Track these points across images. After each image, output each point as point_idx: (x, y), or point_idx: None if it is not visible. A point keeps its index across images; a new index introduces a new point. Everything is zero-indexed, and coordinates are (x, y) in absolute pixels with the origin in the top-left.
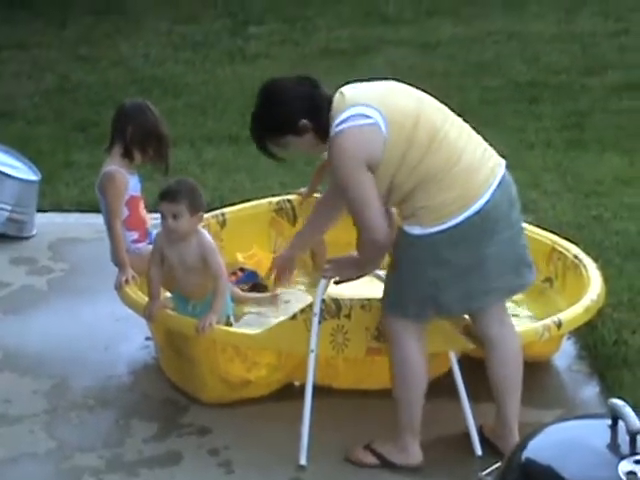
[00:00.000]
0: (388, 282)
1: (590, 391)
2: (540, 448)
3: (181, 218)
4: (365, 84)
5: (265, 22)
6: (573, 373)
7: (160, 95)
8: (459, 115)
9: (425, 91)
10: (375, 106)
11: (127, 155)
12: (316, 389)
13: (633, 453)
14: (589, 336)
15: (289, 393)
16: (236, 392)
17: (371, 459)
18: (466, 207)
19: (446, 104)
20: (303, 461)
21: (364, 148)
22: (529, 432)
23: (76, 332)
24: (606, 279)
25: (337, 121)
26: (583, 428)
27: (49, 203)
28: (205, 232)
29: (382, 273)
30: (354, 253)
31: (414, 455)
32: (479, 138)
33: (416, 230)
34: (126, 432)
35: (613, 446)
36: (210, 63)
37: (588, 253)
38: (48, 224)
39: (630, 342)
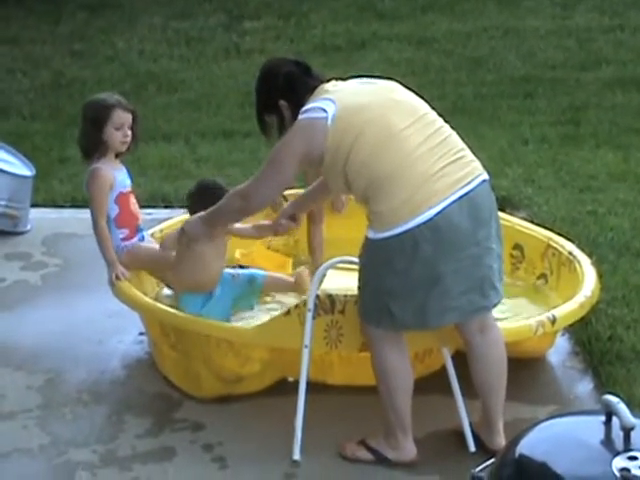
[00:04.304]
0: (358, 289)
1: (584, 387)
2: (534, 444)
3: None
4: (353, 81)
5: (260, 17)
6: (567, 369)
7: (155, 91)
8: (458, 113)
9: (422, 86)
10: (336, 101)
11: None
12: (310, 385)
13: (627, 449)
14: (583, 332)
15: (283, 389)
16: (230, 387)
17: (365, 454)
18: (415, 214)
19: (441, 99)
20: (297, 456)
21: (304, 140)
22: (523, 428)
23: (70, 327)
24: (600, 275)
25: (302, 110)
26: (577, 424)
27: (43, 198)
28: None
29: None
30: None
31: (407, 451)
32: (456, 146)
33: (371, 234)
34: (119, 427)
35: (607, 442)
36: (205, 59)
37: (582, 249)
38: (42, 219)
39: (624, 338)
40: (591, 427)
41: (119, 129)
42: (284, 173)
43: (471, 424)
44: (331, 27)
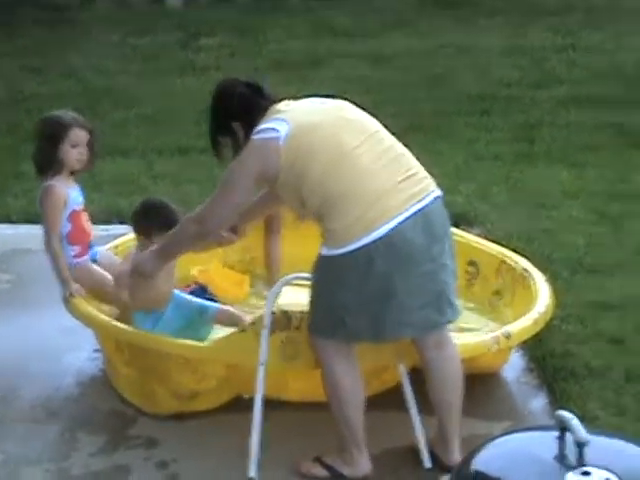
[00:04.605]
0: (309, 304)
1: (538, 403)
2: (489, 460)
3: None
4: (305, 100)
5: (216, 34)
6: (522, 385)
7: (111, 106)
8: (413, 129)
9: (378, 104)
10: (289, 121)
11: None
12: (265, 401)
13: (580, 464)
14: (537, 348)
15: (238, 406)
16: (185, 404)
17: (320, 471)
18: (370, 230)
19: (398, 116)
20: (253, 473)
21: (258, 160)
22: (478, 444)
23: (23, 344)
24: (555, 292)
25: (255, 131)
26: (531, 440)
27: None
28: None
29: None
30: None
31: (362, 466)
32: (408, 163)
33: (324, 251)
34: (73, 445)
35: (561, 457)
36: (161, 75)
37: (537, 266)
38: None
39: (578, 354)
40: (545, 443)
41: (75, 147)
42: (239, 194)
43: (427, 440)
44: (287, 44)
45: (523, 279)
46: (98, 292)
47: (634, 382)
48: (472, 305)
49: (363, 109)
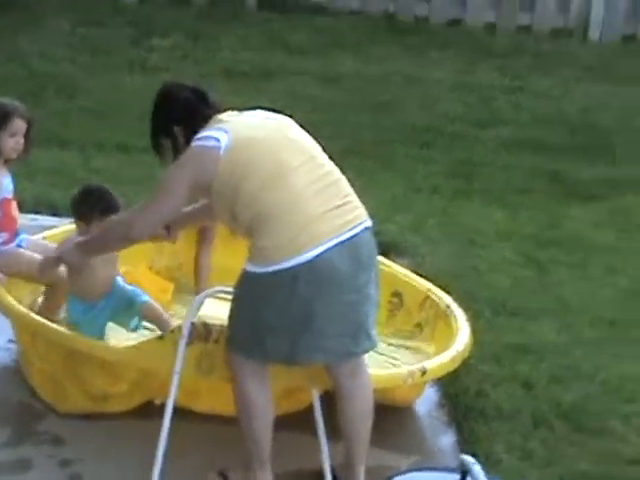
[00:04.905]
0: (229, 319)
1: (447, 440)
2: None
3: None
4: (249, 114)
5: (169, 35)
6: (433, 420)
7: (54, 94)
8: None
9: (323, 124)
10: (230, 132)
11: None
12: (176, 410)
13: None
14: (452, 385)
15: (149, 411)
16: (96, 405)
17: None
18: (298, 253)
19: (340, 138)
20: None
21: (194, 166)
22: (383, 476)
23: None
24: (475, 331)
25: (195, 137)
26: None
27: None
28: None
29: None
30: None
31: None
32: (343, 191)
33: (250, 267)
34: None
35: None
36: (109, 69)
37: (461, 303)
38: None
39: (491, 395)
40: None
41: (13, 136)
42: (173, 200)
43: (333, 466)
44: (240, 53)
45: (445, 316)
46: (27, 276)
47: (541, 427)
48: (392, 336)
49: (307, 128)
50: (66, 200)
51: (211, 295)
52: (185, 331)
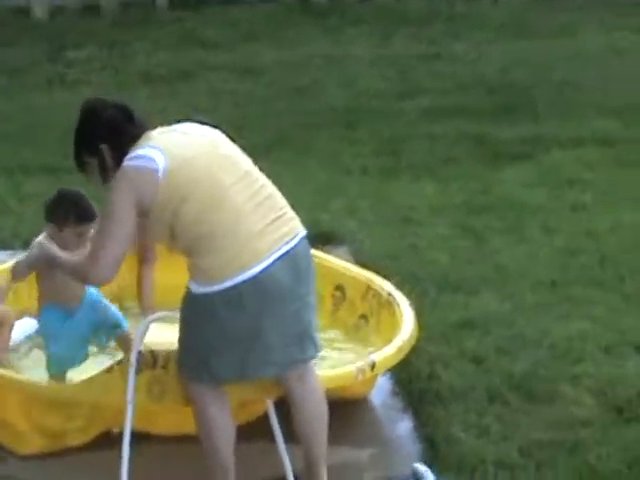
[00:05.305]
0: (178, 343)
1: (404, 427)
2: None
3: None
4: (180, 131)
5: (83, 47)
6: (388, 409)
7: None
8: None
9: (245, 118)
10: (165, 152)
11: None
12: (135, 436)
13: None
14: (403, 371)
15: (108, 441)
16: (54, 442)
17: None
18: (241, 271)
19: (264, 131)
20: None
21: (135, 188)
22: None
23: None
24: (421, 311)
25: (127, 157)
26: None
27: None
28: None
29: None
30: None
31: None
32: (278, 203)
33: (194, 287)
34: None
35: None
36: (27, 90)
37: (404, 284)
38: None
39: (443, 377)
40: None
41: None
42: (123, 225)
43: (294, 471)
44: (155, 56)
45: (388, 304)
46: None
47: (496, 402)
48: (337, 330)
49: (230, 124)
50: (0, 233)
51: (154, 321)
52: (133, 360)
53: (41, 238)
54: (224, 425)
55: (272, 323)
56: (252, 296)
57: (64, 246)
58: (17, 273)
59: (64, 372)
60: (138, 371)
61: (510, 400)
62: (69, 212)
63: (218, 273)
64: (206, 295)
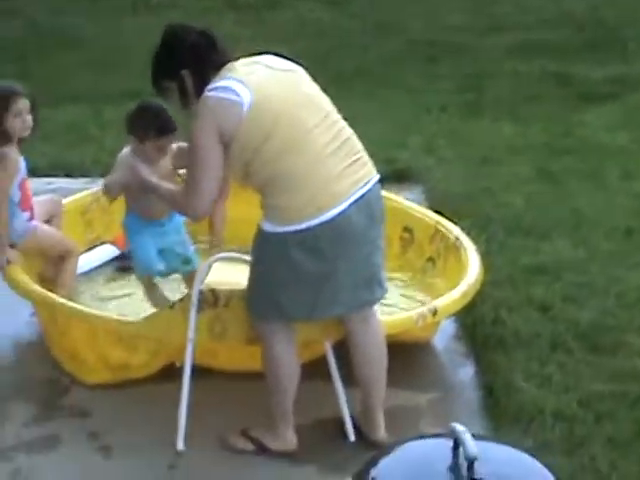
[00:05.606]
0: (248, 282)
1: (465, 373)
2: (386, 471)
3: None
4: (263, 64)
5: None
6: (450, 354)
7: (59, 48)
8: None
9: (331, 49)
10: (251, 87)
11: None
12: (196, 371)
13: (471, 478)
14: (468, 315)
15: (171, 374)
16: (117, 374)
17: (247, 445)
18: (317, 214)
19: (347, 61)
20: (181, 447)
21: (218, 119)
22: (378, 451)
23: None
24: (490, 254)
25: (210, 86)
26: (430, 449)
27: None
28: None
29: None
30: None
31: (288, 441)
32: (355, 146)
33: (267, 227)
34: (5, 415)
35: (454, 469)
36: (112, 13)
37: (476, 226)
38: None
39: (507, 322)
40: (441, 453)
41: (18, 116)
42: (209, 154)
43: (352, 414)
44: None
45: (455, 248)
46: (52, 249)
47: (559, 351)
48: (404, 273)
49: (315, 55)
50: (80, 161)
51: (217, 261)
52: (194, 298)
53: (126, 153)
54: (290, 363)
55: (345, 265)
56: (328, 239)
57: (145, 159)
58: (110, 192)
59: (148, 277)
60: (199, 309)
61: (574, 349)
62: (150, 125)
63: (294, 214)
64: (280, 235)
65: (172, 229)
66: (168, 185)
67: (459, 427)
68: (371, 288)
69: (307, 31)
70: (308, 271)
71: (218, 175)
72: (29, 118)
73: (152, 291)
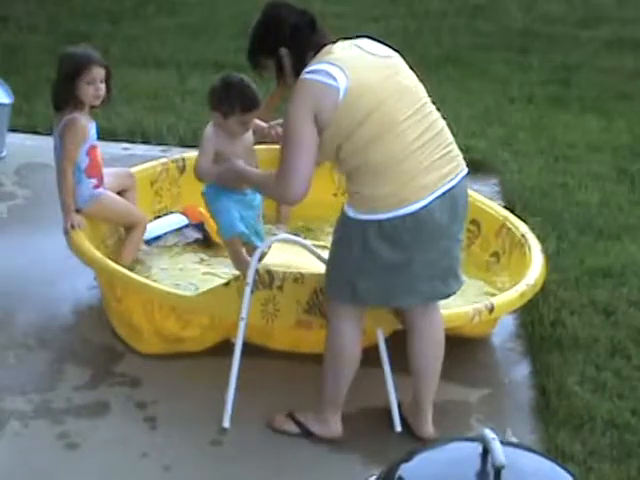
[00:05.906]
0: (327, 260)
1: (519, 372)
2: (414, 472)
3: None
4: (362, 48)
5: None
6: (506, 351)
7: (154, 12)
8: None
9: (420, 32)
10: (348, 72)
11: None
12: (252, 349)
13: None
14: (528, 314)
15: (225, 349)
16: (171, 346)
17: (291, 427)
18: (400, 206)
19: (437, 46)
20: (226, 424)
21: (315, 104)
22: (408, 452)
23: (26, 265)
24: (558, 252)
25: (308, 68)
26: (457, 453)
27: (24, 123)
28: None
29: (317, 248)
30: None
31: (334, 428)
32: (446, 139)
33: (350, 212)
34: (59, 377)
35: (482, 476)
36: None
37: (546, 223)
38: (19, 145)
39: (567, 324)
40: (471, 458)
41: (91, 84)
42: (304, 137)
43: (400, 406)
44: None
45: (521, 245)
46: (119, 218)
47: (617, 358)
48: (468, 266)
49: (405, 36)
50: (157, 127)
51: (276, 242)
52: (249, 278)
53: (209, 129)
54: (352, 348)
55: (422, 257)
56: (408, 231)
57: (229, 133)
58: (203, 179)
59: (234, 242)
60: (253, 289)
61: (632, 356)
62: (235, 102)
63: (377, 204)
64: (361, 222)
65: (252, 200)
66: (262, 173)
67: (489, 433)
68: (447, 281)
69: (397, 11)
70: (385, 259)
71: (314, 158)
72: (102, 86)
73: (238, 257)
